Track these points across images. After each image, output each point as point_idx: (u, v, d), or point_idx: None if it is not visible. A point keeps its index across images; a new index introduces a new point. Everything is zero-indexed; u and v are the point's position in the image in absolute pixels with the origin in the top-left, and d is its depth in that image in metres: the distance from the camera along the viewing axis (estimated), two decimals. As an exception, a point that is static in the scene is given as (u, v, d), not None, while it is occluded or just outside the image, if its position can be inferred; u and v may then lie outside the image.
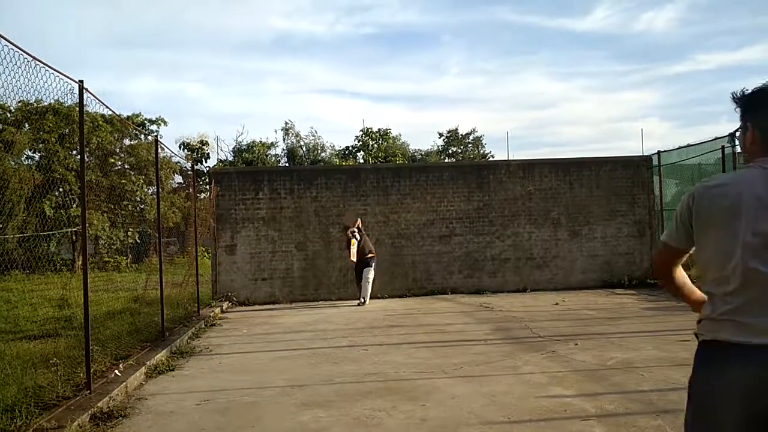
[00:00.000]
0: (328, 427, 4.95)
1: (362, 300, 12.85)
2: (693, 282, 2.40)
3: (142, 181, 23.71)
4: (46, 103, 19.66)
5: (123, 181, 23.12)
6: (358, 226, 13.07)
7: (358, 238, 12.92)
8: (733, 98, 2.21)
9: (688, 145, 14.31)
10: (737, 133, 3.00)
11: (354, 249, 12.85)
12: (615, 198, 14.66)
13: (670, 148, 14.87)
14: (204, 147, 29.49)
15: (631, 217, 14.68)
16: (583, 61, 70.48)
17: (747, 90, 2.18)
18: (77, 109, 6.12)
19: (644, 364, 6.61)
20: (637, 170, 14.83)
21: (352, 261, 12.95)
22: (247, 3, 73.09)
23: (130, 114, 28.38)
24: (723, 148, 12.43)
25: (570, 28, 70.67)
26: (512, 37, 72.19)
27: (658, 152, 14.92)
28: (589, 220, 14.56)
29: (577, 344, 7.86)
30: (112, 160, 23.47)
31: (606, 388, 5.78)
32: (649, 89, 70.35)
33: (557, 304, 11.93)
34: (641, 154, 15.84)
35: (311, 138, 32.05)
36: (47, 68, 5.22)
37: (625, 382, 5.96)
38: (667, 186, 15.11)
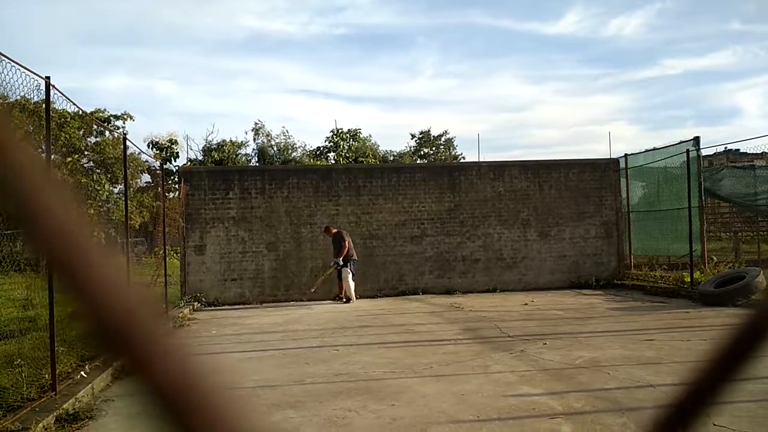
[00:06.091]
0: (299, 428, 4.94)
1: (346, 298, 13.11)
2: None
3: (105, 179, 23.24)
4: (12, 100, 19.17)
5: (92, 179, 22.64)
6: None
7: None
8: None
9: (655, 149, 14.64)
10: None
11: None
12: (583, 200, 14.88)
13: (637, 152, 15.19)
14: (173, 146, 29.07)
15: (598, 219, 14.92)
16: (554, 64, 71.44)
17: None
18: (44, 105, 6.02)
19: (610, 363, 6.72)
20: (604, 173, 15.08)
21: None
22: (220, 2, 72.38)
23: (94, 109, 27.77)
24: (688, 151, 12.75)
25: (542, 32, 71.57)
26: (485, 40, 72.83)
27: (626, 155, 15.20)
28: (558, 222, 14.76)
29: (545, 344, 7.97)
30: (70, 159, 22.88)
31: (573, 386, 5.87)
32: (617, 93, 71.66)
33: (526, 304, 12.06)
34: (609, 157, 16.12)
35: (282, 138, 31.85)
36: (13, 64, 5.12)
37: (591, 380, 6.07)
38: (634, 188, 15.42)
